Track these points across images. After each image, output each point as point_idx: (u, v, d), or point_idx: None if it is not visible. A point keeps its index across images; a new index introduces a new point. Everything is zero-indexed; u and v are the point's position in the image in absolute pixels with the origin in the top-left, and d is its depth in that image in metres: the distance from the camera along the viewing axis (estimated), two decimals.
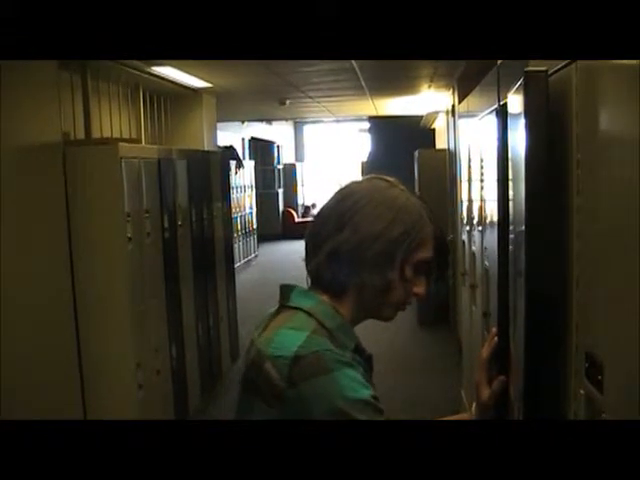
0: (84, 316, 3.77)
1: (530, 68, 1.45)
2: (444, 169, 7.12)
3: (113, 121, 4.84)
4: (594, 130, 1.31)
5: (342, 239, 1.19)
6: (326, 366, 1.09)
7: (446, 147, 7.39)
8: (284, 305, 1.23)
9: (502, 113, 1.91)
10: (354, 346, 1.21)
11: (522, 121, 1.46)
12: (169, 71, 5.10)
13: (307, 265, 1.27)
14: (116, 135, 4.85)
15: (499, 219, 1.93)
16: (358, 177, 1.40)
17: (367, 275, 1.20)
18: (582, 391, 1.35)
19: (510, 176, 1.76)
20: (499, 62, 2.27)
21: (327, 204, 1.27)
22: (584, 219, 1.40)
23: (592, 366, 1.29)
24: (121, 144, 3.86)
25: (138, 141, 5.01)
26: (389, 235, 1.19)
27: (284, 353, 1.11)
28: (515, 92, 1.65)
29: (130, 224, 3.76)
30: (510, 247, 1.76)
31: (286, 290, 1.25)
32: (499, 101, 2.09)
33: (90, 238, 3.73)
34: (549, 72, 1.46)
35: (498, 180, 1.93)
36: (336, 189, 1.30)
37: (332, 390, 1.08)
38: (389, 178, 1.28)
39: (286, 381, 1.09)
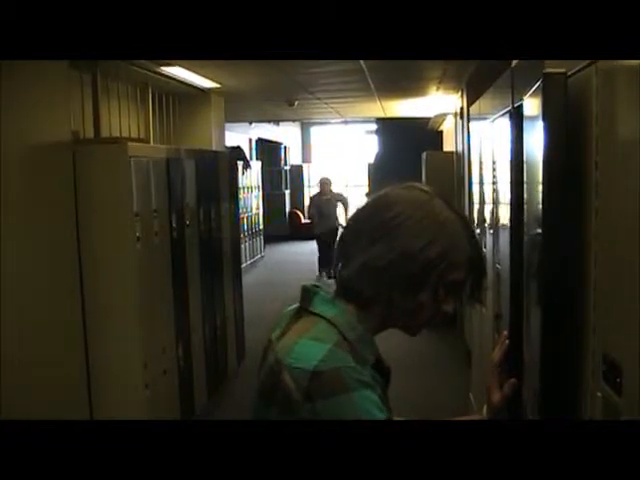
0: (92, 315, 3.78)
1: (548, 70, 1.44)
2: (451, 171, 7.11)
3: (122, 120, 4.85)
4: (613, 132, 1.30)
5: (376, 254, 1.13)
6: (345, 385, 1.05)
7: (454, 149, 7.38)
8: (306, 309, 1.18)
9: (516, 115, 1.91)
10: (374, 360, 1.17)
11: (540, 123, 1.45)
12: (178, 71, 5.10)
13: (334, 271, 1.22)
14: (125, 134, 4.85)
15: (513, 221, 1.92)
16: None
17: (398, 294, 1.15)
18: (599, 394, 1.34)
19: (525, 179, 1.75)
20: (513, 64, 2.26)
21: (363, 211, 1.20)
22: (602, 221, 1.39)
23: (610, 368, 1.28)
24: (130, 143, 3.86)
25: (147, 141, 5.02)
26: (426, 256, 1.12)
27: (303, 365, 1.06)
28: (532, 94, 1.64)
29: (138, 223, 3.76)
30: (525, 249, 1.75)
31: (308, 293, 1.19)
32: (513, 103, 2.08)
33: (99, 237, 3.73)
34: (567, 74, 1.45)
35: (512, 182, 1.92)
36: (374, 196, 1.22)
37: (348, 411, 1.05)
38: (427, 188, 1.20)
39: (303, 395, 1.05)
